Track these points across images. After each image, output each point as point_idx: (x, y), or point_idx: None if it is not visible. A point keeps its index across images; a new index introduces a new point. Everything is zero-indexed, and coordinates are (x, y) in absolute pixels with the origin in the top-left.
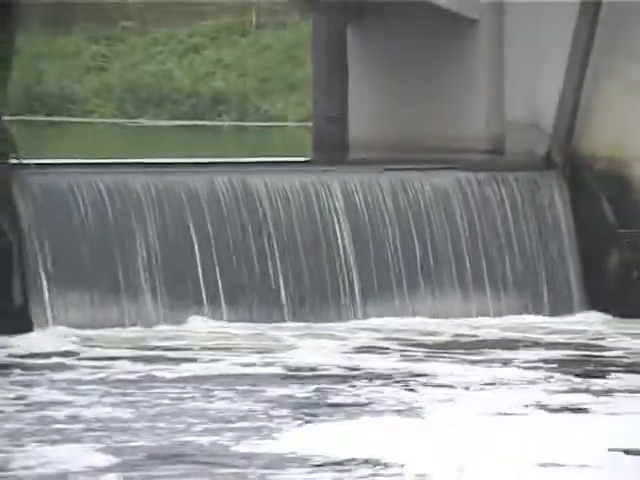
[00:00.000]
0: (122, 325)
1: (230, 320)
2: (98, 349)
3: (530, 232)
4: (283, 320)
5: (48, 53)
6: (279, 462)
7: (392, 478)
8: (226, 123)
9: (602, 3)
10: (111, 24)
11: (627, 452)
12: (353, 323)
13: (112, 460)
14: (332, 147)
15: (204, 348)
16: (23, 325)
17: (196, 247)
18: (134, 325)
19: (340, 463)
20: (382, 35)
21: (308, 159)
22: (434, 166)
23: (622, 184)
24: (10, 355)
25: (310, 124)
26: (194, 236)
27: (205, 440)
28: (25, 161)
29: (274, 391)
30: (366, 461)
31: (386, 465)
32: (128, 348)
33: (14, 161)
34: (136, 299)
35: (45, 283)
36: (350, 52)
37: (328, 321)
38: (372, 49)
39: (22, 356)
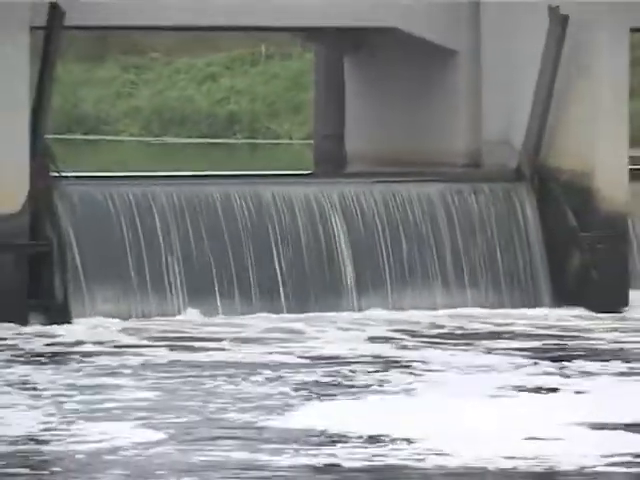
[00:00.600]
0: (149, 316)
1: (243, 312)
2: (130, 337)
3: (503, 235)
4: (288, 312)
5: (85, 81)
6: (295, 434)
7: (396, 446)
8: (239, 141)
9: (566, 33)
10: (140, 55)
11: (591, 426)
12: (349, 314)
13: (155, 436)
14: (331, 161)
15: (221, 337)
16: (64, 317)
17: (213, 248)
18: (159, 316)
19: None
20: (375, 64)
21: (310, 172)
22: (420, 178)
23: (584, 193)
24: (54, 343)
25: (312, 141)
26: (211, 238)
27: (234, 416)
28: (65, 174)
29: (291, 375)
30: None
31: (392, 439)
32: (157, 336)
33: (55, 174)
34: (161, 293)
35: (82, 280)
36: (347, 79)
37: (327, 312)
38: (366, 77)
39: (65, 344)
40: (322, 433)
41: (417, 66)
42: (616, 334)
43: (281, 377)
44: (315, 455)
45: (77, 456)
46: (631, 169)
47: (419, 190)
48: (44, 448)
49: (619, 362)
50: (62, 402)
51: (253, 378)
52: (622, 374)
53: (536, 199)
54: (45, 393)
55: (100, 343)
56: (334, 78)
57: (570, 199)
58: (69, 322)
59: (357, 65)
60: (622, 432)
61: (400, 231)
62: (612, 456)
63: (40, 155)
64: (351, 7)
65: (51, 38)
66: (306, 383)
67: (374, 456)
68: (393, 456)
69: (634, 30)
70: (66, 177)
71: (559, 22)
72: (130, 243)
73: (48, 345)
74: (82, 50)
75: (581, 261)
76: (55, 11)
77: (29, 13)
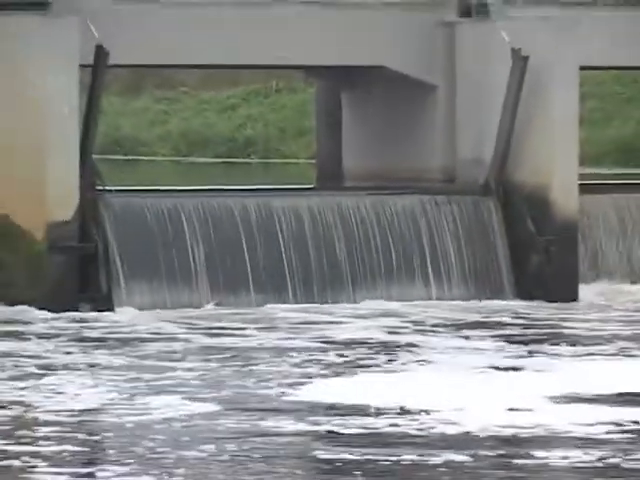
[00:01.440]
0: (179, 307)
1: (258, 304)
2: (167, 324)
3: (473, 239)
4: (294, 303)
5: (125, 110)
6: (311, 405)
7: (399, 415)
8: (254, 160)
9: (527, 71)
10: (171, 89)
11: (553, 399)
12: (347, 305)
13: (199, 408)
14: (330, 178)
15: (244, 325)
16: (108, 306)
17: (231, 250)
18: (187, 307)
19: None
20: (367, 97)
21: (313, 186)
22: (404, 191)
23: (541, 204)
24: (104, 329)
25: (315, 161)
26: (230, 242)
27: (262, 391)
28: (108, 188)
29: (307, 356)
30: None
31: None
32: (189, 324)
33: (100, 188)
34: (188, 287)
35: (122, 276)
36: (343, 109)
37: (327, 304)
38: (359, 107)
39: (113, 330)
40: (330, 405)
41: (403, 98)
42: (569, 322)
43: (298, 357)
44: (321, 423)
45: (132, 425)
46: (580, 184)
47: (403, 201)
48: (104, 419)
49: (574, 345)
50: (118, 380)
51: (276, 359)
52: (578, 355)
53: (501, 209)
54: (103, 372)
55: (142, 329)
56: (332, 108)
57: (530, 209)
58: (112, 310)
59: (352, 97)
60: (584, 404)
61: (388, 235)
62: (580, 425)
63: (88, 173)
64: (344, 48)
65: (97, 74)
66: (320, 362)
67: (375, 424)
68: (394, 424)
69: (583, 68)
70: (109, 191)
71: (521, 62)
72: (162, 245)
73: (98, 330)
74: (122, 84)
75: (538, 260)
76: (100, 51)
77: (79, 53)
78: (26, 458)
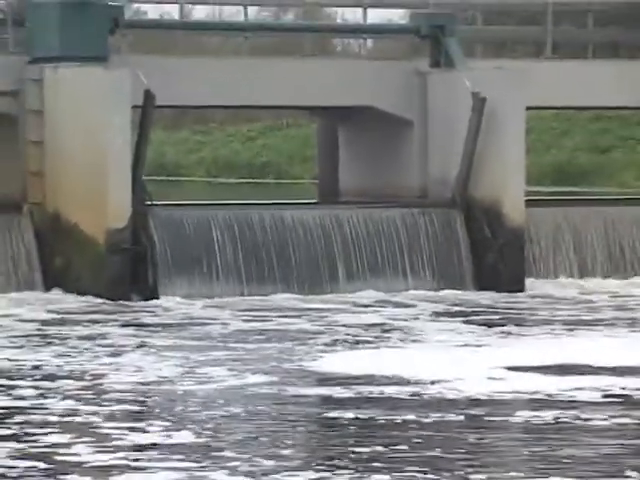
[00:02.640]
0: (211, 297)
1: (273, 293)
2: (205, 311)
3: (442, 242)
4: (300, 294)
5: (168, 141)
6: (325, 375)
7: (393, 382)
8: (269, 181)
9: (484, 109)
10: (204, 124)
11: (511, 369)
12: (342, 295)
13: (244, 380)
14: (329, 195)
15: (263, 312)
16: (153, 296)
17: (252, 252)
18: (218, 297)
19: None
20: (358, 130)
21: (316, 201)
22: (387, 205)
23: (496, 215)
24: (150, 314)
25: (317, 181)
26: (250, 245)
27: (289, 365)
28: (155, 202)
29: (318, 336)
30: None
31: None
32: (223, 310)
33: (149, 202)
34: (219, 281)
35: (166, 272)
36: (339, 140)
37: (327, 294)
38: (352, 138)
39: (161, 316)
40: (340, 375)
41: (386, 131)
42: (519, 308)
43: (312, 337)
44: (330, 389)
45: (180, 392)
46: (526, 199)
47: (387, 213)
48: (166, 388)
49: (525, 326)
50: (175, 357)
51: (295, 339)
52: (526, 334)
53: (464, 218)
54: (162, 352)
55: (184, 315)
56: (330, 139)
57: (486, 218)
58: (157, 299)
59: (346, 130)
60: (537, 374)
61: (375, 240)
62: (533, 389)
63: (139, 190)
64: (340, 92)
65: (145, 113)
66: (328, 340)
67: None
68: (390, 390)
69: (528, 108)
70: (156, 205)
71: (479, 103)
72: (198, 248)
73: (149, 316)
74: (166, 120)
75: (493, 259)
76: (148, 95)
77: (131, 96)
78: (88, 415)
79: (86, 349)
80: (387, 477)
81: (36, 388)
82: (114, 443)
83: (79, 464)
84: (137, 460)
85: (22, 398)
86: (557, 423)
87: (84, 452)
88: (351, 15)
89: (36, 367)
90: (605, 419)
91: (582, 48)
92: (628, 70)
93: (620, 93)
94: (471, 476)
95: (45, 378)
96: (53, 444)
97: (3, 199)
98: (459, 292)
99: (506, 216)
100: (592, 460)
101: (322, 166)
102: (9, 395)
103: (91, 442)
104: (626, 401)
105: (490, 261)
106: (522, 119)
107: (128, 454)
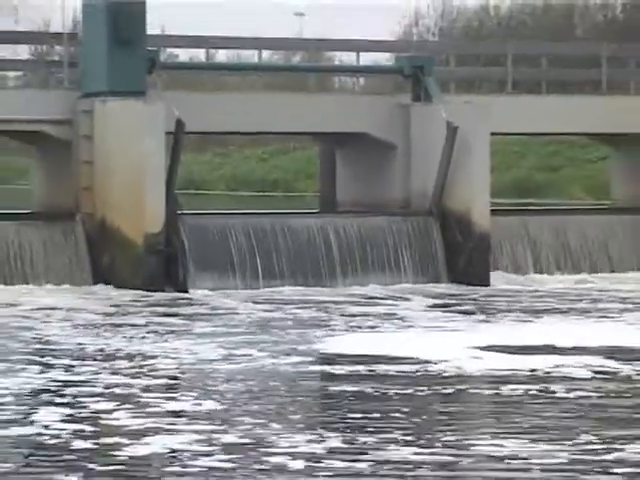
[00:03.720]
0: (231, 289)
1: (282, 285)
2: (225, 300)
3: (421, 245)
4: (305, 286)
5: (195, 161)
6: (332, 354)
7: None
8: (279, 194)
9: (456, 135)
10: (224, 147)
11: (483, 349)
12: (339, 289)
13: (264, 357)
14: (329, 205)
15: (276, 302)
16: (183, 289)
17: (265, 252)
18: (236, 290)
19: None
20: (353, 152)
21: (318, 211)
22: (377, 214)
23: (466, 223)
24: (182, 304)
25: (319, 194)
26: (264, 247)
27: (304, 347)
28: (184, 212)
29: (324, 322)
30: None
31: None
32: (244, 301)
33: (179, 212)
34: (236, 276)
35: (193, 268)
36: (337, 161)
37: (327, 287)
38: (348, 159)
39: (192, 305)
40: (343, 354)
41: (375, 153)
42: (486, 299)
43: (316, 324)
44: (334, 365)
45: (217, 371)
46: (491, 210)
47: (376, 220)
48: (197, 367)
49: (493, 314)
50: (205, 341)
51: (305, 326)
52: (496, 321)
53: (439, 225)
54: (196, 336)
55: (213, 307)
56: (330, 160)
57: (458, 226)
58: (187, 292)
59: (343, 153)
60: (505, 353)
61: (367, 242)
62: (504, 369)
63: (171, 202)
64: (338, 120)
65: (177, 139)
66: (332, 325)
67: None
68: (386, 367)
69: (493, 134)
70: (185, 213)
71: (452, 130)
72: (220, 249)
73: (181, 306)
74: (193, 144)
75: (464, 259)
76: (179, 124)
77: (165, 124)
78: (131, 388)
79: (134, 334)
80: (373, 438)
81: (91, 366)
82: (150, 410)
83: (119, 427)
84: (168, 424)
85: (79, 374)
86: (525, 395)
87: (124, 417)
88: (347, 57)
89: (85, 348)
90: (565, 391)
91: (536, 85)
92: (574, 103)
93: (567, 122)
94: (443, 438)
95: (99, 358)
96: (99, 411)
97: (60, 209)
98: (435, 285)
99: (474, 223)
100: (550, 426)
101: (323, 182)
102: (69, 371)
103: (131, 409)
104: (582, 376)
105: (461, 261)
106: (487, 144)
107: (161, 419)
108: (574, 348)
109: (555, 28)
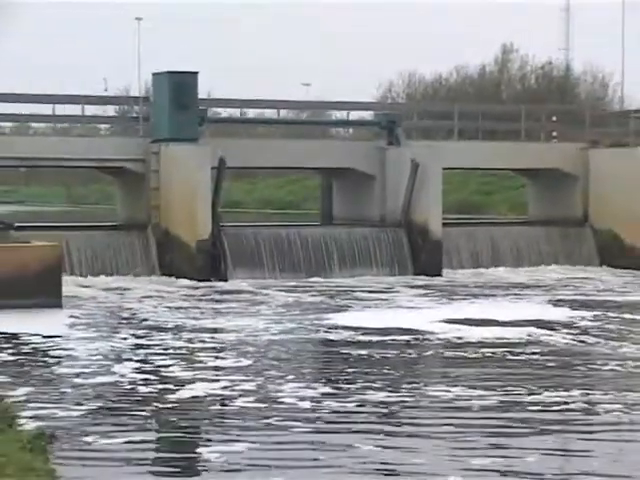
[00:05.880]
0: (258, 279)
1: (296, 278)
2: (258, 289)
3: (394, 247)
4: (306, 277)
5: (233, 187)
6: (338, 326)
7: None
8: (292, 212)
9: (415, 169)
10: (254, 177)
11: (446, 322)
12: (336, 280)
13: (279, 331)
14: (327, 219)
15: (295, 290)
16: (224, 279)
17: (283, 254)
18: (263, 279)
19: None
20: (345, 181)
21: (319, 223)
22: (361, 225)
23: (425, 231)
24: (222, 289)
25: (320, 211)
26: (282, 249)
27: (318, 322)
28: (225, 224)
29: (328, 305)
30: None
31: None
32: (272, 288)
33: (222, 224)
34: (263, 270)
35: (231, 264)
36: (334, 188)
37: (326, 279)
38: (341, 186)
39: (229, 292)
40: (344, 326)
41: (361, 182)
42: (441, 287)
43: (325, 305)
44: (340, 334)
45: (254, 339)
46: (443, 222)
47: (361, 230)
48: (237, 335)
49: (448, 297)
50: (245, 316)
51: (316, 307)
52: (451, 301)
53: (406, 233)
54: (239, 313)
55: (247, 291)
56: (328, 187)
57: (419, 233)
58: (226, 281)
59: (338, 182)
60: (462, 325)
61: (354, 246)
62: (461, 337)
63: (216, 216)
64: (334, 159)
65: (219, 172)
66: (336, 307)
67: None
68: (382, 337)
69: (444, 169)
70: (225, 225)
71: (415, 166)
72: (250, 251)
73: (224, 293)
74: (232, 175)
75: (424, 257)
76: (222, 161)
77: (211, 162)
78: (188, 349)
79: (190, 310)
80: (357, 386)
81: (159, 334)
82: (198, 365)
83: (173, 377)
84: (211, 375)
85: (154, 339)
86: (472, 355)
87: (177, 370)
88: (340, 114)
89: (154, 321)
90: (503, 352)
91: (475, 134)
92: (501, 147)
93: (497, 160)
94: (408, 386)
95: (164, 328)
96: (160, 365)
97: (136, 222)
98: (405, 277)
99: (431, 232)
100: (488, 378)
101: (323, 203)
102: (148, 339)
103: (184, 365)
104: (520, 341)
105: (422, 258)
106: (440, 175)
107: (206, 372)
108: (510, 321)
109: (487, 93)
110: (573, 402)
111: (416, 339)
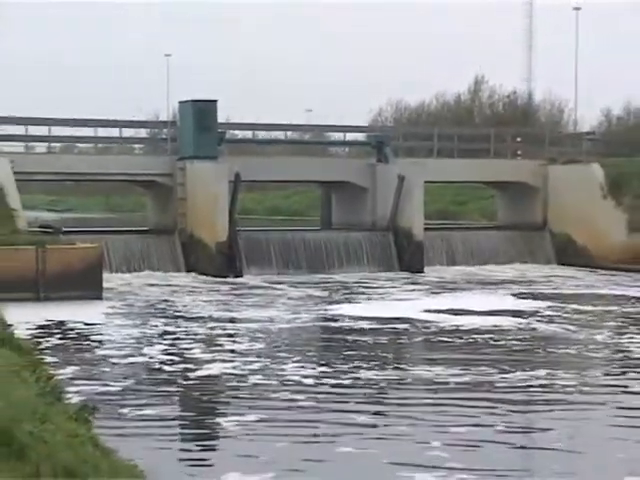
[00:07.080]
0: (268, 275)
1: (301, 274)
2: (269, 283)
3: (382, 248)
4: (307, 274)
5: (247, 198)
6: (340, 315)
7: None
8: (297, 218)
9: (404, 181)
10: (264, 190)
11: (431, 311)
12: (336, 276)
13: (293, 320)
14: (327, 225)
15: (299, 285)
16: (239, 275)
17: (289, 254)
18: (272, 276)
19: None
20: (342, 193)
21: (320, 228)
22: (356, 230)
23: (409, 235)
24: (238, 284)
25: (320, 218)
26: (288, 251)
27: (323, 311)
28: (240, 229)
29: (331, 296)
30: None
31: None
32: (280, 284)
33: (238, 228)
34: (272, 267)
35: (245, 263)
36: (332, 199)
37: (328, 275)
38: (339, 197)
39: (246, 287)
40: (350, 315)
41: (355, 193)
42: (424, 282)
43: (327, 297)
44: (342, 322)
45: (267, 326)
46: (424, 227)
47: (355, 234)
48: (251, 325)
49: (430, 290)
50: (259, 307)
51: (318, 299)
52: (433, 294)
53: (394, 237)
54: (254, 305)
55: (259, 286)
56: (327, 198)
57: (404, 237)
58: (242, 277)
59: (336, 193)
60: (445, 314)
61: (349, 247)
62: (446, 324)
63: (233, 222)
64: (332, 174)
65: (235, 185)
66: (338, 299)
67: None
68: (378, 325)
69: (426, 182)
70: (241, 230)
71: (401, 180)
72: (262, 251)
73: (240, 286)
74: (246, 188)
75: (408, 257)
76: (237, 175)
77: (228, 176)
78: (210, 333)
79: (211, 301)
80: (350, 366)
81: (185, 322)
82: (216, 348)
83: (195, 358)
84: (227, 357)
85: (180, 326)
86: (452, 340)
87: (198, 352)
88: (338, 136)
89: (181, 310)
90: (479, 338)
91: (451, 152)
92: (474, 163)
93: (470, 174)
94: (395, 365)
95: (188, 317)
96: (184, 348)
97: (165, 227)
98: (392, 273)
99: (414, 235)
100: (465, 359)
101: (323, 211)
102: (175, 326)
103: (205, 348)
104: (497, 328)
105: (406, 257)
106: (422, 188)
107: (223, 354)
108: (485, 311)
109: (462, 118)
110: (537, 379)
111: (404, 328)
